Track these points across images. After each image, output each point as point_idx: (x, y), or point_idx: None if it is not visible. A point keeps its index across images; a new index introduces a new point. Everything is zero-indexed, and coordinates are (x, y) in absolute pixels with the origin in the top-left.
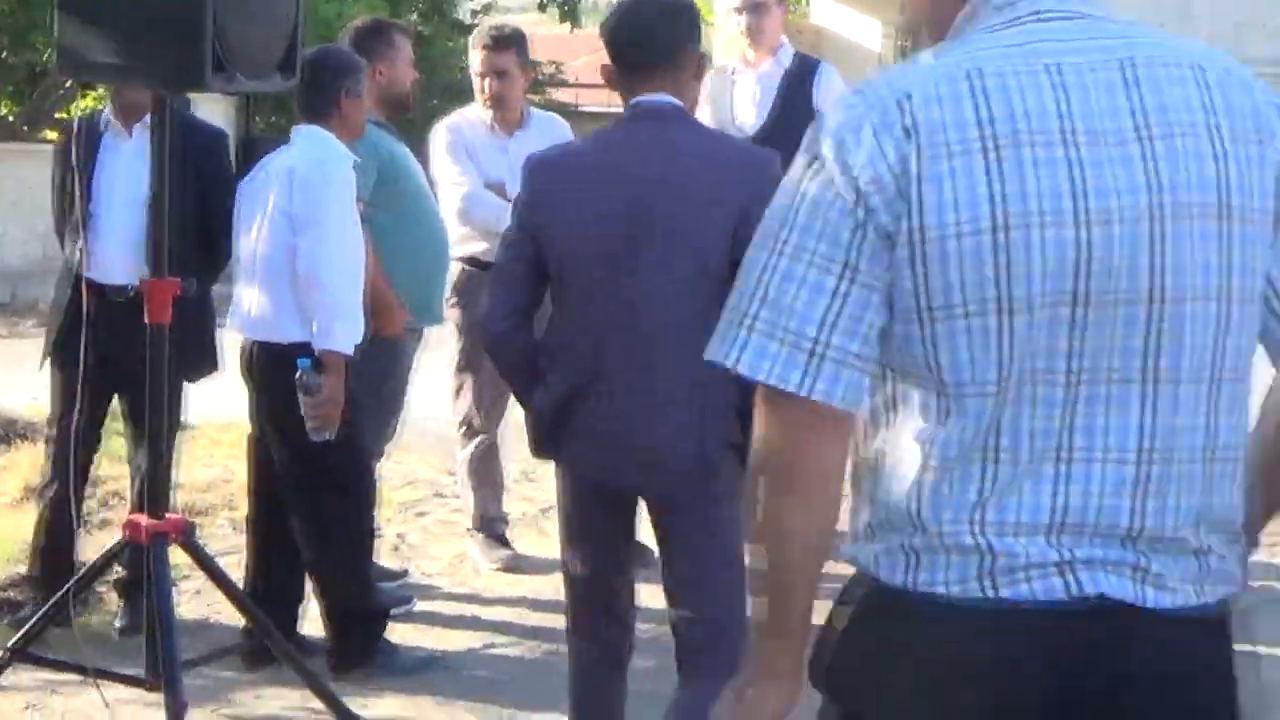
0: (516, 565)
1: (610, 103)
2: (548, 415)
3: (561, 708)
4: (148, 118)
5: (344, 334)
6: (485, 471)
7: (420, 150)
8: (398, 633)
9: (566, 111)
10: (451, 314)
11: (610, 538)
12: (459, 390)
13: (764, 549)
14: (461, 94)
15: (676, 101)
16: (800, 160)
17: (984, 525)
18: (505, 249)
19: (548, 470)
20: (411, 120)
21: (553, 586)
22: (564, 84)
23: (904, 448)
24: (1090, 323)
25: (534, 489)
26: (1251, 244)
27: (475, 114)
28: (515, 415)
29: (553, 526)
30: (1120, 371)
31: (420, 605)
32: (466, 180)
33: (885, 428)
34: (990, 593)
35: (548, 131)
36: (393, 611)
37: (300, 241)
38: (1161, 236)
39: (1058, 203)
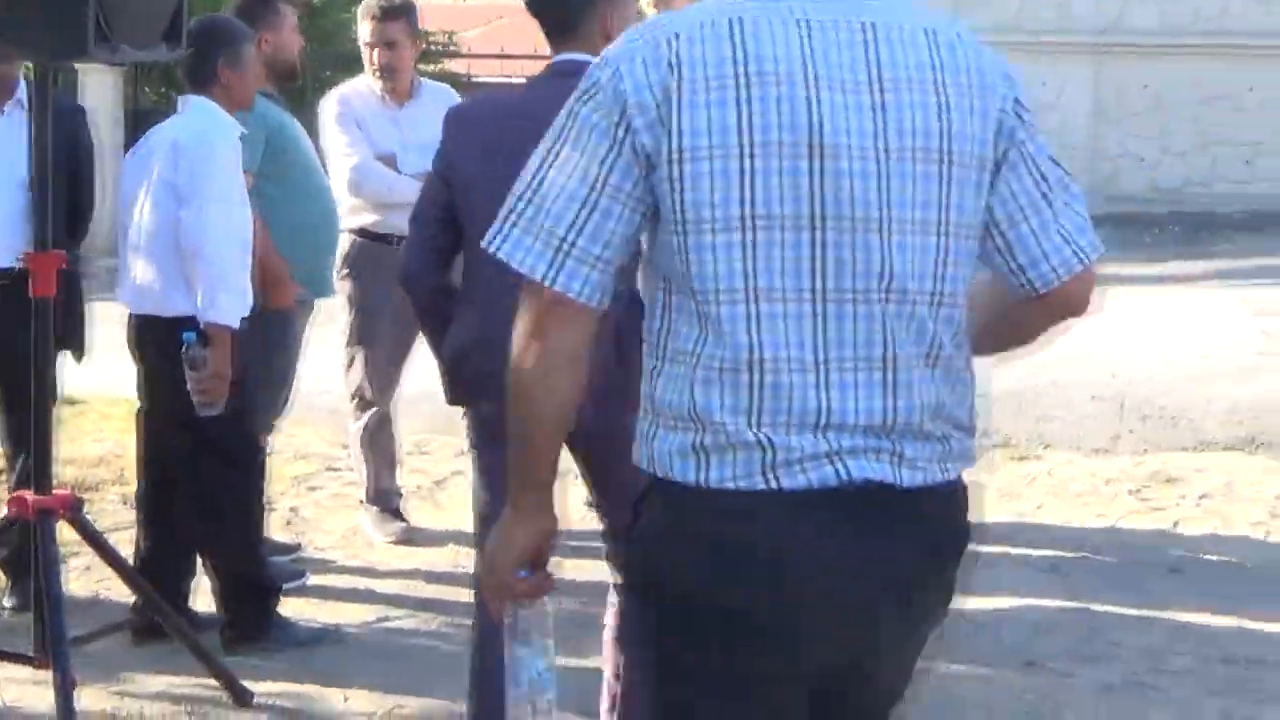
0: (410, 538)
1: (503, 73)
2: (450, 361)
3: (455, 678)
4: (20, 94)
5: (229, 307)
6: (378, 444)
7: (311, 122)
8: (290, 607)
9: (459, 82)
10: (342, 286)
11: None
12: (350, 363)
13: (515, 412)
14: (355, 65)
15: (591, 59)
16: (582, 85)
17: (761, 423)
18: (423, 194)
19: (441, 443)
20: (303, 91)
21: (446, 559)
22: (456, 55)
23: (682, 352)
24: (829, 244)
25: (427, 461)
26: (966, 185)
27: (365, 85)
28: (408, 388)
29: (447, 499)
30: (862, 292)
31: (313, 579)
32: (357, 151)
33: (665, 334)
34: (774, 484)
35: (438, 102)
36: (285, 586)
37: (183, 213)
38: (886, 174)
39: (795, 135)
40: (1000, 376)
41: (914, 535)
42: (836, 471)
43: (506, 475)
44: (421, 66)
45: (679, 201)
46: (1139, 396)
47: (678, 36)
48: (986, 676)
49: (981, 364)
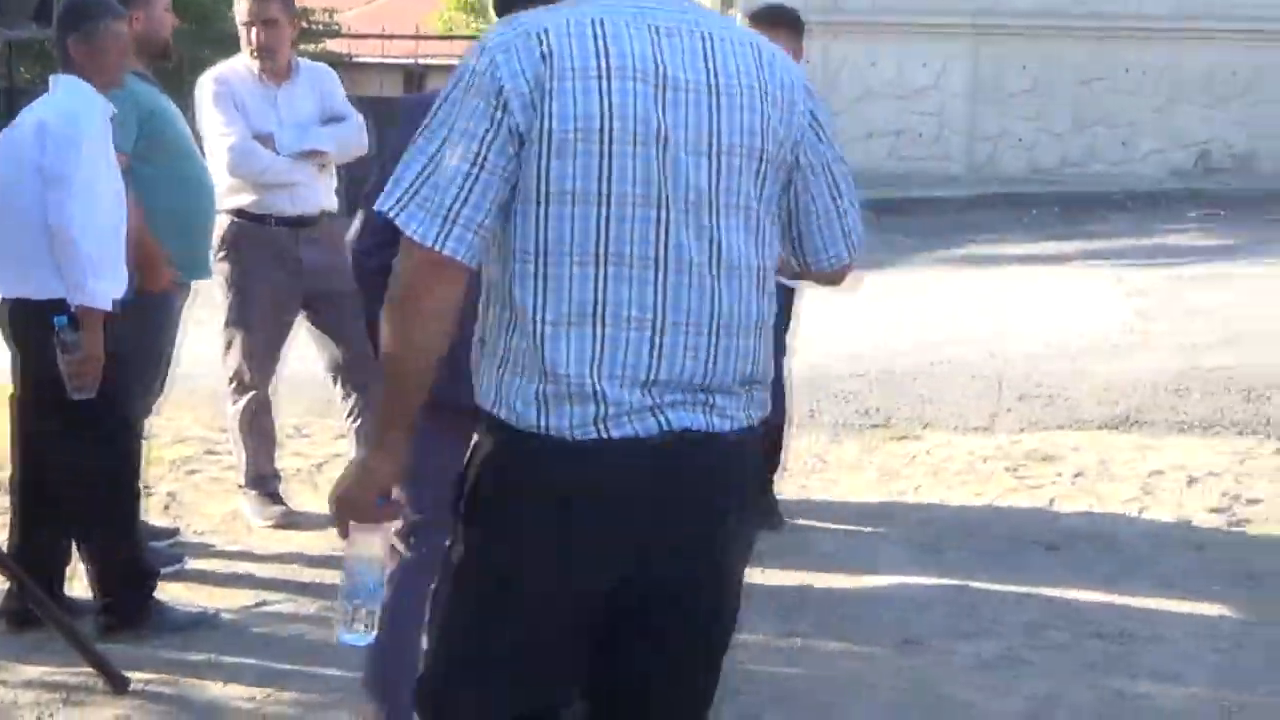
0: (290, 522)
1: (384, 53)
2: None
3: (334, 661)
4: None
5: (101, 290)
6: (257, 427)
7: (188, 102)
8: (168, 592)
9: (341, 62)
10: (220, 268)
11: (458, 446)
12: (229, 345)
13: (389, 359)
14: (233, 45)
15: None
16: (458, 73)
17: (599, 377)
18: (381, 176)
19: (321, 426)
20: (180, 71)
21: (325, 542)
22: (337, 34)
23: (534, 309)
24: (671, 222)
25: (307, 444)
26: (773, 177)
27: (242, 64)
28: (288, 370)
29: (326, 482)
30: (697, 263)
31: (192, 563)
32: (234, 131)
33: (513, 292)
34: (604, 434)
35: (316, 82)
36: (163, 570)
37: (50, 195)
38: (717, 165)
39: (647, 126)
40: (879, 358)
41: (722, 471)
42: (659, 422)
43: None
44: (303, 46)
45: (545, 176)
46: (1016, 376)
47: (547, 32)
48: (865, 655)
49: (860, 344)
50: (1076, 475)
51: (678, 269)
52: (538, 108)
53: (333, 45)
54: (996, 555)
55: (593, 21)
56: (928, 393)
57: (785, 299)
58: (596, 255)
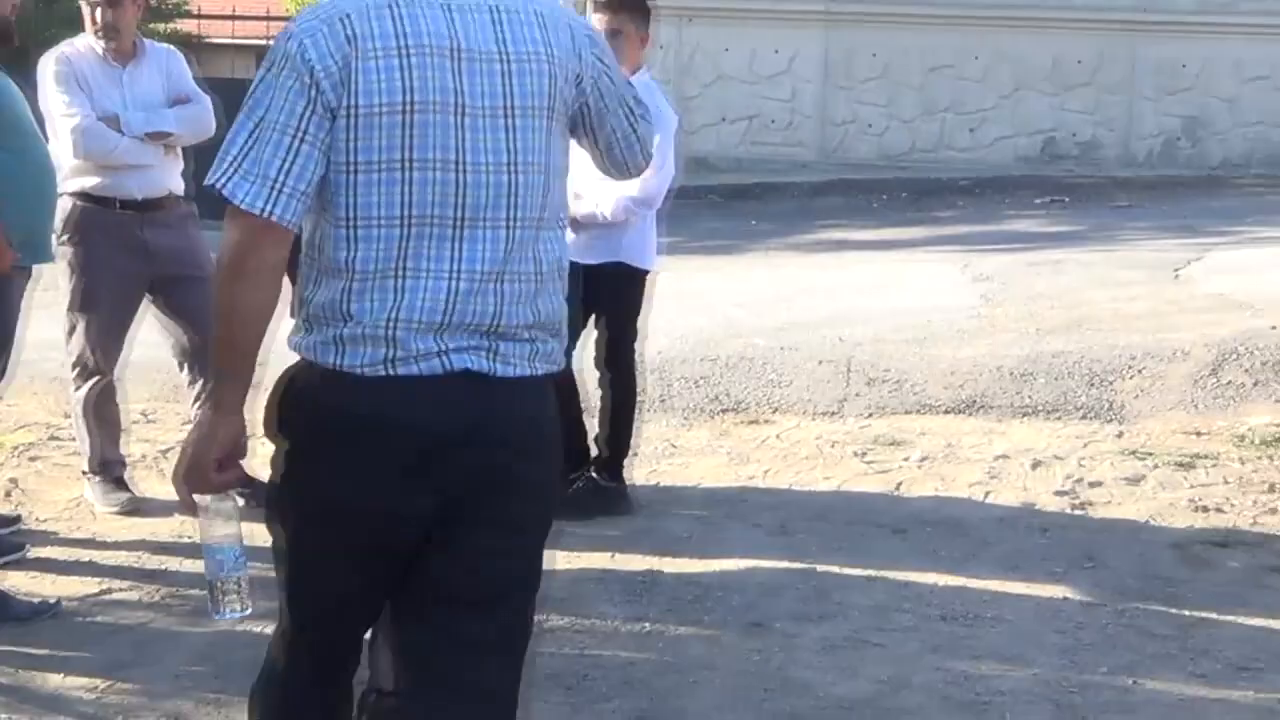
0: (135, 508)
1: (235, 34)
2: None
3: (179, 649)
4: None
5: None
6: (102, 413)
7: (30, 81)
8: (10, 580)
9: (191, 43)
10: (63, 251)
11: None
12: (72, 330)
13: (222, 323)
14: (80, 25)
15: None
16: (270, 56)
17: (394, 324)
18: None
19: (168, 411)
20: (25, 52)
21: (171, 529)
22: (188, 15)
23: (335, 265)
24: (469, 183)
25: (154, 430)
26: (563, 135)
27: (86, 44)
28: (134, 354)
29: (173, 468)
30: (490, 218)
31: (35, 551)
32: (79, 111)
33: (326, 251)
34: (392, 372)
35: (162, 63)
36: (4, 559)
37: None
38: (511, 128)
39: (445, 96)
40: (730, 343)
41: (504, 414)
42: (443, 364)
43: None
44: (153, 26)
45: (354, 147)
46: (865, 360)
47: (350, 16)
48: (713, 638)
49: (711, 329)
50: (923, 459)
51: (474, 224)
52: (345, 85)
53: (183, 25)
54: (844, 539)
55: (391, 4)
56: (778, 377)
57: (638, 285)
58: (401, 217)
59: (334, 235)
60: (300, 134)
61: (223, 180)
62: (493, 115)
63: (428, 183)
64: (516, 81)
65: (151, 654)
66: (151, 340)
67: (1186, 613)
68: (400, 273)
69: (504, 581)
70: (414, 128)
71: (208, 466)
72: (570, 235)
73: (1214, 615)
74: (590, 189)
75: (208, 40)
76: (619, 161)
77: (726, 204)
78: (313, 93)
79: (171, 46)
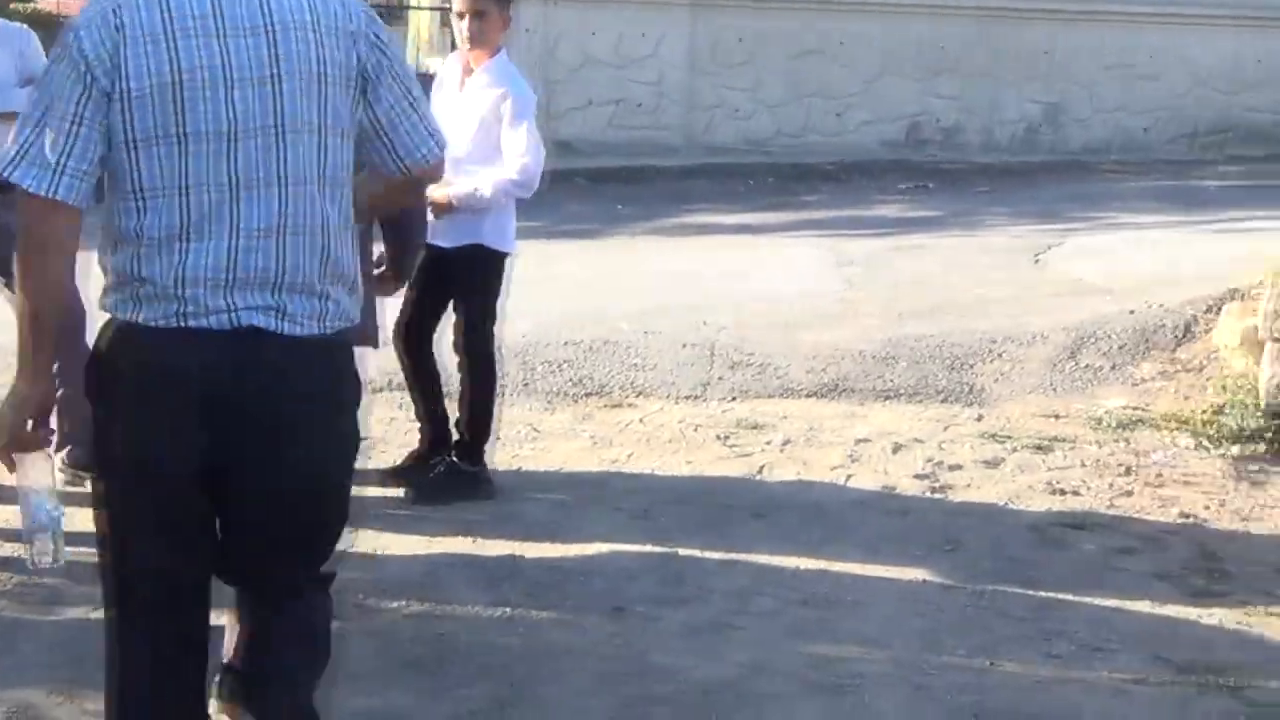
0: None
1: None
2: None
3: (32, 635)
4: None
5: None
6: None
7: None
8: None
9: (52, 22)
10: None
11: None
12: None
13: (26, 297)
14: None
15: None
16: (55, 50)
17: (182, 283)
18: None
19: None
20: None
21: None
22: None
23: (126, 234)
24: (240, 149)
25: None
26: (338, 98)
27: None
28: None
29: None
30: (263, 179)
31: None
32: None
33: (118, 223)
34: (184, 324)
35: (14, 43)
36: None
37: None
38: (279, 93)
39: (212, 71)
40: (594, 326)
41: (293, 369)
42: (231, 320)
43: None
44: (13, 6)
45: (131, 126)
46: (728, 344)
47: (120, 7)
48: (573, 623)
49: (575, 313)
50: (785, 443)
51: (248, 187)
52: (118, 70)
53: (44, 4)
54: (706, 523)
55: None
56: (641, 361)
57: (497, 268)
58: (181, 186)
59: (124, 207)
60: (78, 119)
61: (10, 169)
62: (259, 83)
63: (202, 153)
64: (282, 50)
65: (1, 643)
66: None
67: (1042, 594)
68: (184, 236)
69: (294, 535)
70: (185, 102)
71: (21, 426)
72: (430, 218)
73: (1069, 596)
74: (468, 171)
75: (66, 19)
76: (407, 147)
77: (592, 188)
78: (88, 79)
79: (24, 26)
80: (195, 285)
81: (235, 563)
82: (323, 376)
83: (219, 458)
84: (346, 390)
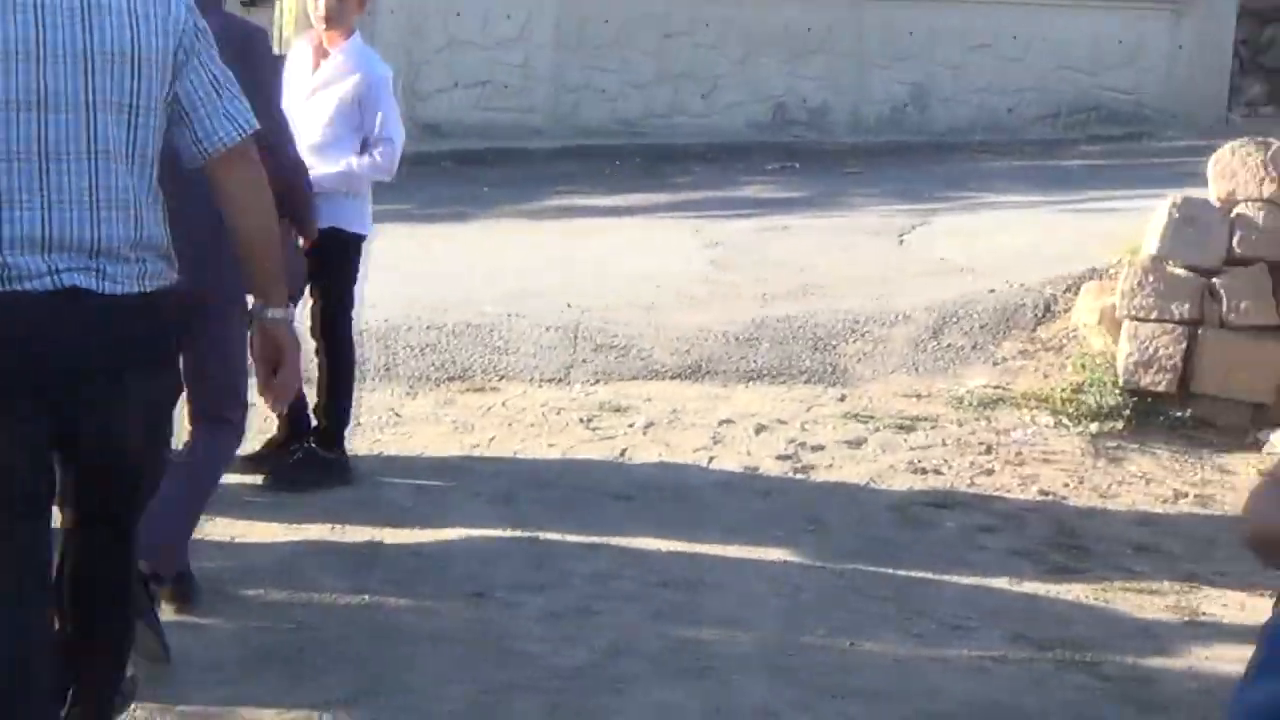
0: None
1: None
2: None
3: None
4: None
5: None
6: None
7: None
8: None
9: None
10: None
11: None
12: None
13: None
14: None
15: None
16: None
17: (3, 249)
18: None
19: None
20: None
21: None
22: None
23: None
24: (51, 121)
25: None
26: (152, 78)
27: None
28: None
29: None
30: (74, 152)
31: None
32: None
33: None
34: (8, 287)
35: None
36: None
37: None
38: (92, 71)
39: (26, 45)
40: (457, 310)
41: (114, 327)
42: (53, 281)
43: None
44: None
45: None
46: (592, 327)
47: None
48: (433, 609)
49: (438, 296)
50: (649, 425)
51: (58, 157)
52: None
53: None
54: (568, 506)
55: None
56: (505, 345)
57: (353, 251)
58: None
59: None
60: None
61: None
62: (73, 60)
63: (14, 123)
64: (98, 33)
65: None
66: None
67: (904, 573)
68: (2, 203)
69: (117, 490)
70: (3, 75)
71: None
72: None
73: (931, 575)
74: (327, 156)
75: None
76: (206, 130)
77: (458, 170)
78: None
79: None
80: (13, 249)
81: (67, 492)
82: (143, 331)
83: (42, 419)
84: (165, 344)
